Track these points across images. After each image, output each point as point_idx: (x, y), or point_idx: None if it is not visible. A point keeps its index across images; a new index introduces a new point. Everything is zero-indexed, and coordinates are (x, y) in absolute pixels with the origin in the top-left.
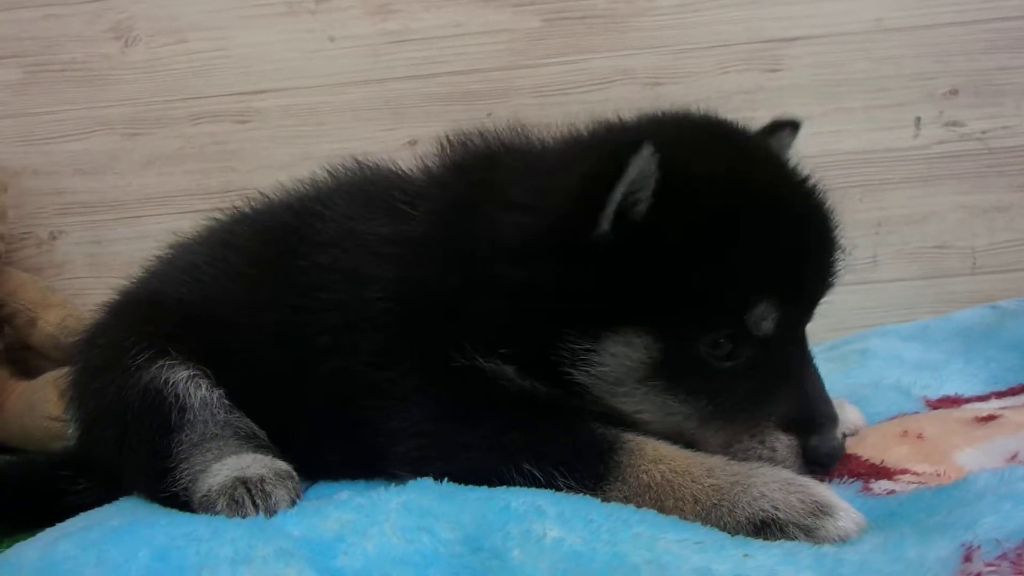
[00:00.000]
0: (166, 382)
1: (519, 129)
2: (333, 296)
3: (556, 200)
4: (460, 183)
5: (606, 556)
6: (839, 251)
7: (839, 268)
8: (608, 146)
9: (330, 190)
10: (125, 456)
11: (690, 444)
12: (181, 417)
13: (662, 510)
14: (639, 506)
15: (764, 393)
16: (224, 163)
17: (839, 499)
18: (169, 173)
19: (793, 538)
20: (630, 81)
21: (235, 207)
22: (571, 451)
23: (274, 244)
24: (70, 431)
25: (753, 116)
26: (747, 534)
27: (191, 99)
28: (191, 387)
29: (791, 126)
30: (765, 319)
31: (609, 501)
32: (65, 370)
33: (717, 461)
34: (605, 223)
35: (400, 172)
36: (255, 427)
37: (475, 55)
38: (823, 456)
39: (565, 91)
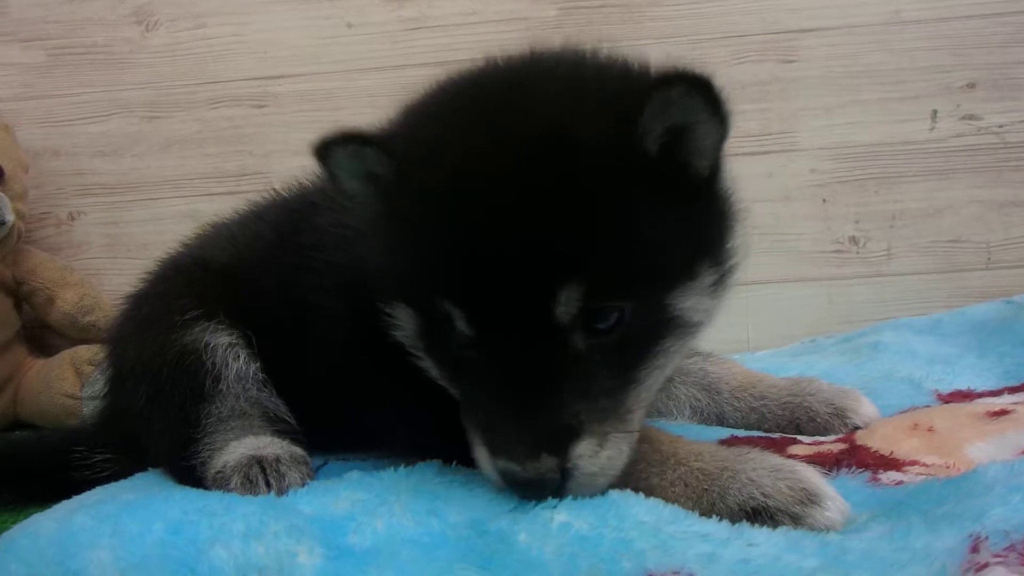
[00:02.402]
0: (206, 346)
1: None
2: (326, 257)
3: None
4: None
5: (612, 541)
6: (532, 256)
7: (535, 277)
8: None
9: None
10: (154, 414)
11: None
12: (215, 387)
13: (648, 490)
14: (619, 484)
15: (474, 398)
16: (241, 147)
17: (827, 487)
18: (187, 156)
19: (782, 525)
20: None
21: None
22: None
23: (291, 211)
24: (86, 409)
25: (768, 107)
26: (739, 521)
27: (210, 83)
28: (229, 356)
29: (684, 83)
30: (456, 319)
31: None
32: (82, 348)
33: (706, 446)
34: (364, 211)
35: None
36: (283, 409)
37: (491, 43)
38: (511, 483)
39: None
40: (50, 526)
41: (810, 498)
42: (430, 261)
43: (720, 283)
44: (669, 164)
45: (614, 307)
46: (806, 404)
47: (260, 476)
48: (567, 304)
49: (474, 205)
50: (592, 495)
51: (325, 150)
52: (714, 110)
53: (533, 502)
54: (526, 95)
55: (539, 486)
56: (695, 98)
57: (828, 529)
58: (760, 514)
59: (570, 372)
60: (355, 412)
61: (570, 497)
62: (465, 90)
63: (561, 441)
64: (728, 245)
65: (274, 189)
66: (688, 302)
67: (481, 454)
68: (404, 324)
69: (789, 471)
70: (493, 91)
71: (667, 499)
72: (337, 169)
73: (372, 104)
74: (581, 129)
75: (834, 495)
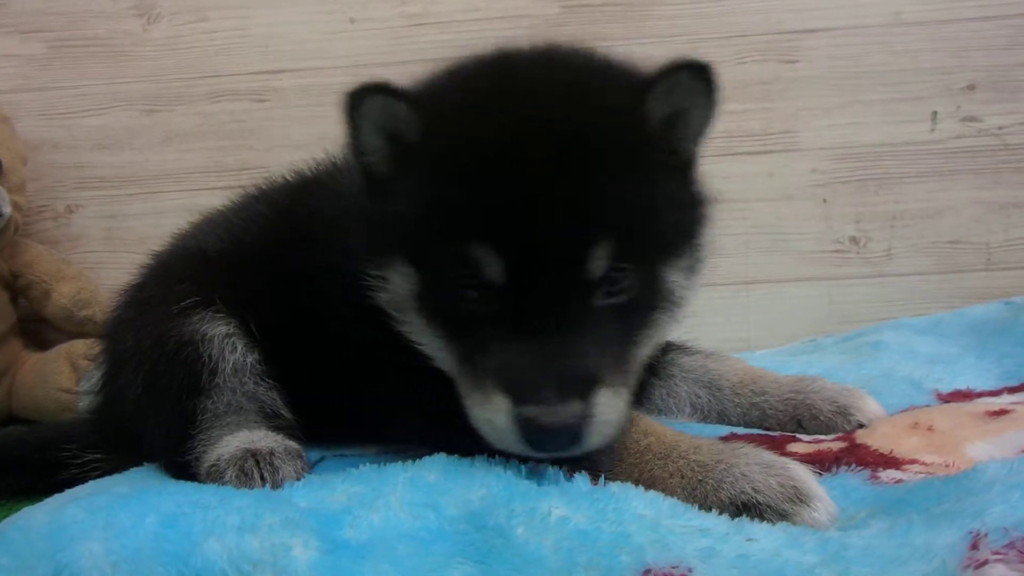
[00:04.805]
0: (203, 337)
1: None
2: (325, 235)
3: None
4: None
5: (611, 535)
6: (573, 209)
7: (575, 230)
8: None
9: None
10: (149, 406)
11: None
12: (211, 380)
13: (650, 482)
14: (624, 474)
15: (495, 348)
16: (241, 141)
17: (818, 487)
18: (187, 150)
19: (771, 522)
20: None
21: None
22: None
23: (291, 192)
24: (82, 403)
25: (770, 106)
26: (731, 515)
27: (211, 77)
28: (226, 348)
29: (691, 69)
30: (488, 266)
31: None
32: (79, 342)
33: (704, 440)
34: (377, 167)
35: None
36: (279, 404)
37: (494, 40)
38: (535, 429)
39: None
40: (41, 519)
41: (799, 496)
42: (469, 210)
43: (694, 267)
44: (666, 145)
45: (625, 270)
46: (808, 401)
47: (255, 469)
48: (598, 260)
49: (521, 160)
50: (603, 444)
51: (359, 97)
52: (710, 95)
53: (542, 462)
54: (558, 69)
55: (564, 433)
56: (698, 82)
57: (815, 528)
58: (750, 510)
59: (591, 325)
60: (356, 396)
61: (568, 490)
62: (495, 63)
63: (587, 387)
64: (702, 231)
65: (269, 176)
66: (674, 276)
67: (496, 406)
68: (395, 284)
69: (781, 468)
70: (525, 64)
71: (667, 490)
72: (362, 120)
73: None
74: (611, 101)
75: (823, 496)
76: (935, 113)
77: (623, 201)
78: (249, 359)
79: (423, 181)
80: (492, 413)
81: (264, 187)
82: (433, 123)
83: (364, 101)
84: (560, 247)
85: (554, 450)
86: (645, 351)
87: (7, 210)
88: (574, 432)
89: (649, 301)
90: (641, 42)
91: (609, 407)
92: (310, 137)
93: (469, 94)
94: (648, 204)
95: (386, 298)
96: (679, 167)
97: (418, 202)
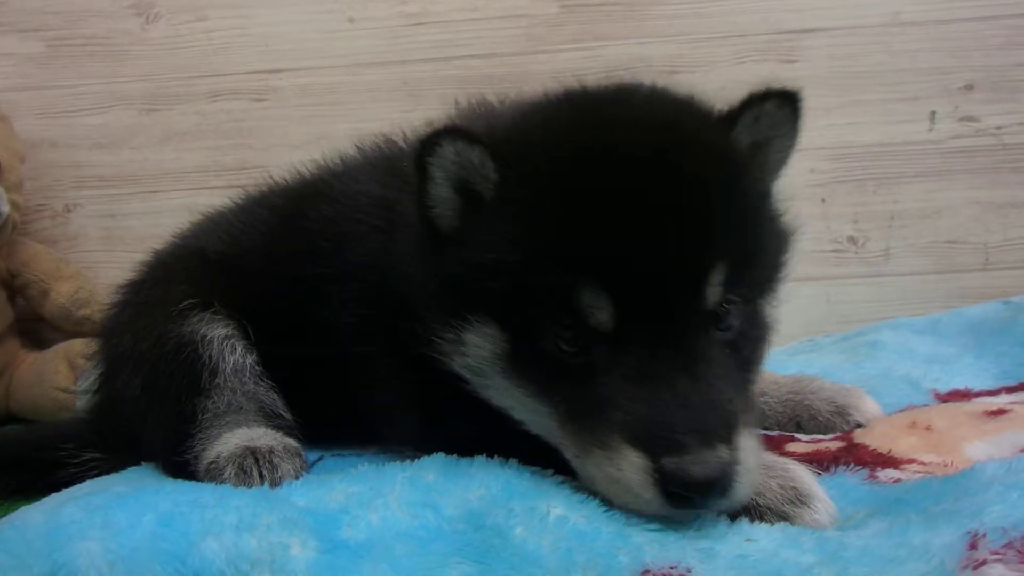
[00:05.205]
0: (203, 338)
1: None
2: (328, 246)
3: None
4: None
5: (610, 535)
6: (686, 237)
7: (690, 257)
8: (415, 147)
9: (357, 160)
10: (149, 406)
11: (559, 449)
12: (211, 380)
13: None
14: None
15: (614, 399)
16: (240, 140)
17: (818, 488)
18: (186, 149)
19: (771, 523)
20: (647, 69)
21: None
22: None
23: (294, 199)
24: (80, 403)
25: None
26: (730, 517)
27: (210, 76)
28: (226, 349)
29: (777, 97)
30: (596, 310)
31: None
32: (77, 341)
33: None
34: (445, 221)
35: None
36: (279, 403)
37: (493, 39)
38: (680, 484)
39: (582, 77)
40: (38, 518)
41: (800, 498)
42: (569, 252)
43: (777, 300)
44: (754, 175)
45: (734, 303)
46: (807, 402)
47: (254, 467)
48: (714, 287)
49: (621, 194)
50: (748, 496)
51: (434, 142)
52: (794, 124)
53: (680, 519)
54: (639, 102)
55: (715, 483)
56: (783, 111)
57: (816, 529)
58: (750, 512)
59: (715, 362)
60: (355, 399)
61: (566, 490)
62: (571, 101)
63: (728, 429)
64: (788, 263)
65: (270, 177)
66: (769, 310)
67: (627, 462)
68: (476, 346)
69: (781, 469)
70: (605, 100)
71: None
72: (436, 170)
73: (373, 99)
74: (703, 130)
75: (823, 496)
76: (933, 113)
77: (729, 226)
78: (248, 360)
79: (508, 230)
80: (622, 471)
81: (265, 190)
82: (516, 167)
83: (438, 148)
84: (673, 275)
85: (701, 505)
86: (756, 386)
87: (5, 209)
88: (725, 481)
89: (754, 334)
90: (641, 42)
91: (751, 451)
92: (309, 136)
93: (553, 133)
94: (750, 232)
95: (463, 363)
96: (766, 196)
97: (504, 254)
